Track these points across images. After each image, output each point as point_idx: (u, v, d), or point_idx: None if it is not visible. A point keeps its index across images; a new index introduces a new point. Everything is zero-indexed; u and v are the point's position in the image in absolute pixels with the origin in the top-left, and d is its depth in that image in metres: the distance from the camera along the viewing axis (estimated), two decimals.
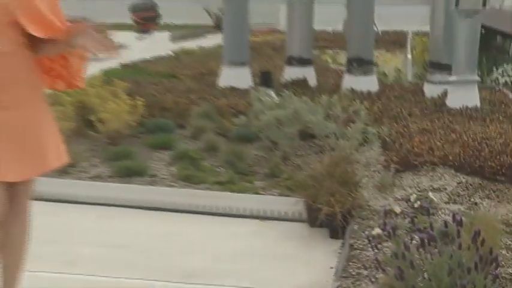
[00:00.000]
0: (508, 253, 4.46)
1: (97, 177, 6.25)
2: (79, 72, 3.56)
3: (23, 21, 3.16)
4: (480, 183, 5.93)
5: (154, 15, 23.25)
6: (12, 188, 3.38)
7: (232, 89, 8.87)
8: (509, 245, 4.66)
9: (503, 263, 3.92)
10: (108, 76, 8.33)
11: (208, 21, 23.76)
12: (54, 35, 3.24)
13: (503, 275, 3.95)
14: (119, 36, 12.87)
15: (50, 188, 5.51)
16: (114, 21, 22.51)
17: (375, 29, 10.19)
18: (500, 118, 7.59)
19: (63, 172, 5.75)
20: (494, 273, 3.41)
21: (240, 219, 5.79)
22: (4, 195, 3.34)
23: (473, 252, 3.40)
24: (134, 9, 22.94)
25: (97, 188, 6.02)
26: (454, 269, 3.33)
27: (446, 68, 8.83)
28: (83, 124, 7.01)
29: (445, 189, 5.82)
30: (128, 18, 22.71)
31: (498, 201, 5.65)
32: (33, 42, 3.27)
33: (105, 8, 24.34)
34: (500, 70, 10.36)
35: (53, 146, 3.47)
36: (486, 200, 5.67)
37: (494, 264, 3.43)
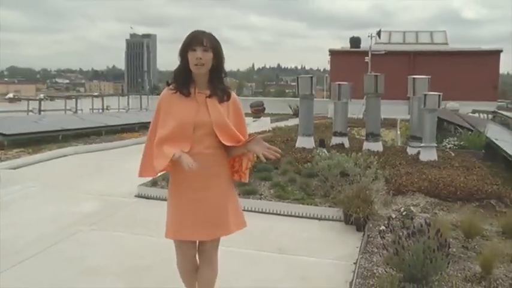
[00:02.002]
0: (453, 240, 4.41)
1: None
2: (243, 169, 2.91)
3: (217, 132, 2.69)
4: (438, 202, 5.83)
5: (262, 108, 23.84)
6: (204, 244, 2.92)
7: (303, 149, 8.89)
8: (454, 236, 4.58)
9: (451, 246, 3.83)
10: None
11: (289, 111, 23.94)
12: (236, 143, 2.74)
13: (451, 253, 3.86)
14: None
15: None
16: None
17: (380, 117, 10.08)
18: (448, 167, 7.47)
19: None
20: (447, 251, 3.42)
21: (308, 219, 5.77)
22: (193, 251, 2.94)
23: (436, 240, 3.40)
24: (252, 105, 23.78)
25: None
26: (426, 250, 3.30)
27: (419, 139, 8.73)
28: None
29: (419, 205, 5.74)
30: (248, 110, 23.14)
31: (448, 212, 5.57)
32: (225, 147, 2.76)
33: None
34: (447, 140, 10.26)
35: (234, 216, 2.86)
36: (441, 211, 5.60)
37: (447, 247, 3.43)
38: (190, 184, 2.73)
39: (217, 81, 2.76)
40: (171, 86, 2.76)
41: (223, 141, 2.71)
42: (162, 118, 2.74)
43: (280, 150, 2.70)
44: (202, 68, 2.67)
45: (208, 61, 2.67)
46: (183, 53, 2.68)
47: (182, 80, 2.73)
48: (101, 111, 21.95)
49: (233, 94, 2.83)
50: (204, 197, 2.74)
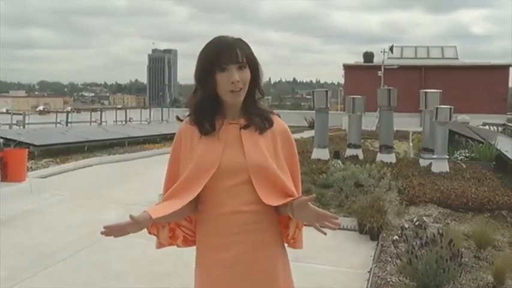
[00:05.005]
0: (465, 250, 4.34)
1: None
2: (289, 237, 1.84)
3: (253, 180, 1.65)
4: (450, 212, 5.77)
5: None
6: None
7: (319, 160, 8.87)
8: (466, 246, 4.52)
9: (463, 256, 3.79)
10: None
11: (305, 124, 23.87)
12: (283, 198, 1.66)
13: (464, 263, 3.81)
14: None
15: None
16: None
17: (393, 129, 10.04)
18: (460, 178, 7.39)
19: None
20: (459, 261, 3.38)
21: (323, 229, 5.70)
22: None
23: (449, 250, 3.36)
24: None
25: None
26: (438, 259, 3.27)
27: (431, 151, 8.66)
28: None
29: (432, 215, 5.67)
30: None
31: (460, 223, 5.49)
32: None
33: None
34: (458, 152, 10.14)
35: None
36: (453, 221, 5.52)
37: (459, 257, 3.42)
38: (221, 256, 1.70)
39: (253, 106, 1.74)
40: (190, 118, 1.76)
41: (262, 197, 1.65)
42: (183, 164, 1.73)
43: (337, 217, 1.64)
44: (241, 94, 1.67)
45: (247, 82, 1.68)
46: (208, 74, 1.65)
47: (206, 112, 1.71)
48: (124, 123, 22.20)
49: (278, 120, 1.81)
50: (242, 274, 1.70)
